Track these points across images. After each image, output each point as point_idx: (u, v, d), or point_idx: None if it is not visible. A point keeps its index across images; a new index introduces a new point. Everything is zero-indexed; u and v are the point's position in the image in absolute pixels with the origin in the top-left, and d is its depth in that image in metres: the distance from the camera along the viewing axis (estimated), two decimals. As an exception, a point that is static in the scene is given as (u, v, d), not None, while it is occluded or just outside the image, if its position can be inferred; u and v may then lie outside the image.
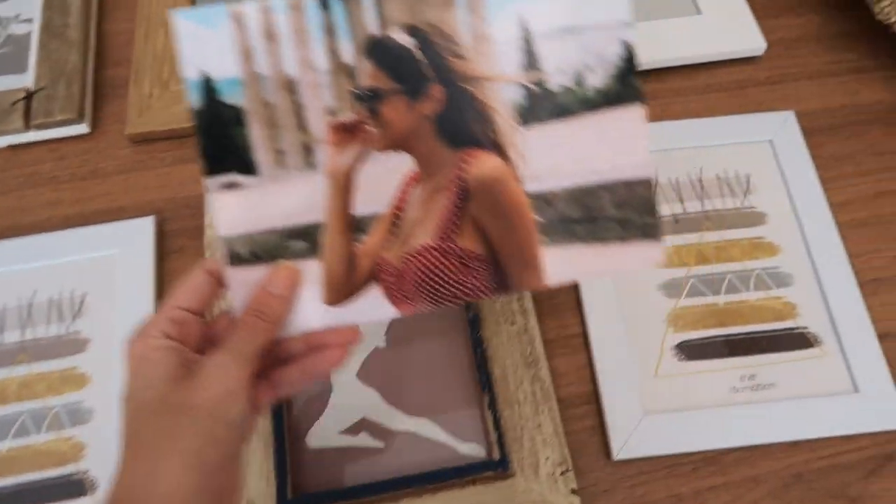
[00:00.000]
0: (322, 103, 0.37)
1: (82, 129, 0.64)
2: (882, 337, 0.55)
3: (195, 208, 0.60)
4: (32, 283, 0.57)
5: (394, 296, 0.38)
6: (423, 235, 0.37)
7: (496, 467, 0.50)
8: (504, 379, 0.53)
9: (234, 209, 0.37)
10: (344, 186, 0.37)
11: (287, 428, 0.52)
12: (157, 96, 0.64)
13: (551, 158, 0.37)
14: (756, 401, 0.54)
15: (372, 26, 0.36)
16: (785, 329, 0.56)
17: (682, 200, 0.62)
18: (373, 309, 0.38)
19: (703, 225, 0.61)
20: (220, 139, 0.36)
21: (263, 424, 0.51)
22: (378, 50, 0.36)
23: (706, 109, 0.66)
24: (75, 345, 0.55)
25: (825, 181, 0.62)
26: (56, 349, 0.55)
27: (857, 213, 0.62)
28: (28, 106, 0.63)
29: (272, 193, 0.37)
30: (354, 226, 0.37)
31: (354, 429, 0.53)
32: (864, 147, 0.65)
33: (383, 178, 0.37)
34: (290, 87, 0.37)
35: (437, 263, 0.37)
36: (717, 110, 0.66)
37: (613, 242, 0.38)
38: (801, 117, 0.65)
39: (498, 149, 0.37)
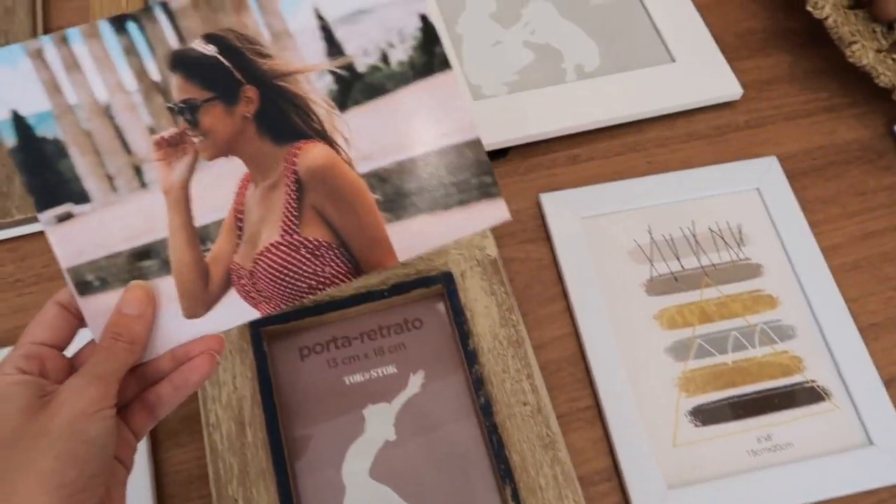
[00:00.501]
0: (142, 123, 0.37)
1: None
2: (888, 383, 0.56)
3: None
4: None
5: (251, 297, 0.38)
6: (269, 233, 0.38)
7: (528, 566, 0.48)
8: (523, 465, 0.52)
9: (72, 239, 0.37)
10: (181, 200, 0.38)
11: (303, 543, 0.49)
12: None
13: (376, 137, 0.38)
14: (774, 463, 0.53)
15: (172, 41, 0.37)
16: (794, 384, 0.56)
17: (678, 257, 0.61)
18: (234, 314, 0.38)
19: (703, 281, 0.60)
20: (45, 173, 0.36)
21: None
22: (182, 63, 0.37)
23: (690, 158, 0.66)
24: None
25: (814, 225, 0.63)
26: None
27: (848, 257, 0.62)
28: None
29: (110, 218, 0.37)
30: (199, 236, 0.38)
31: (373, 534, 0.50)
32: (847, 187, 0.65)
33: (218, 185, 0.38)
34: (104, 112, 0.37)
35: (287, 258, 0.38)
36: (700, 159, 0.66)
37: (455, 207, 0.39)
38: (784, 161, 0.66)
39: (323, 137, 0.38)
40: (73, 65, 0.37)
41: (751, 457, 0.53)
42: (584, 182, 0.65)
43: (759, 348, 0.58)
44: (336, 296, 0.55)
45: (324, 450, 0.52)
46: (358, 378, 0.55)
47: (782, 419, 0.55)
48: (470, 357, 0.54)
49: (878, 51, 0.70)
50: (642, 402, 0.55)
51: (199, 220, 0.38)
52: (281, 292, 0.38)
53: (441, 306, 0.58)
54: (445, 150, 0.39)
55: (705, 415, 0.55)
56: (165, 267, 0.37)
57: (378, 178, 0.38)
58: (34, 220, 0.59)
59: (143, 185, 0.38)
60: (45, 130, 0.37)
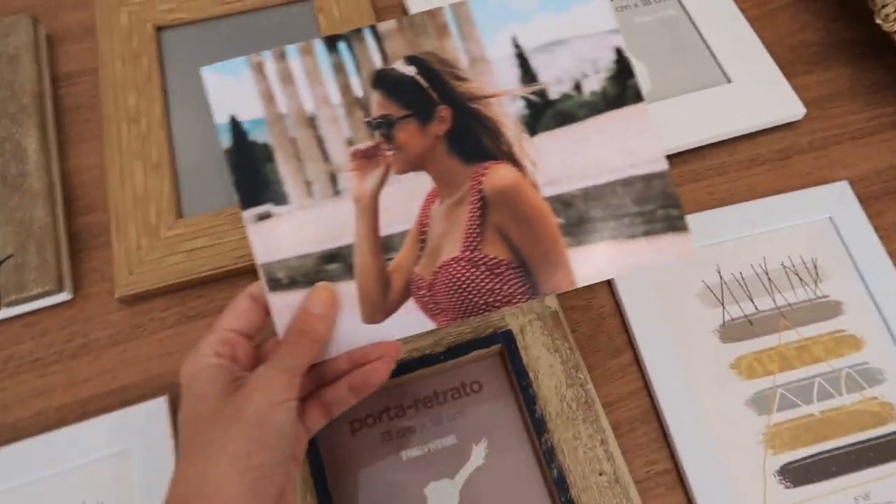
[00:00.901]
0: (341, 135, 0.40)
1: (63, 297, 0.55)
2: None
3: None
4: None
5: (428, 309, 0.39)
6: (450, 248, 0.39)
7: None
8: (604, 542, 0.47)
9: (269, 237, 0.39)
10: (370, 209, 0.39)
11: None
12: (147, 247, 0.55)
13: (563, 162, 0.39)
14: (877, 525, 0.49)
15: (376, 61, 0.40)
16: (888, 435, 0.52)
17: (751, 298, 0.56)
18: (410, 323, 0.39)
19: (780, 324, 0.55)
20: (252, 174, 0.39)
21: None
22: (384, 81, 0.40)
23: (754, 186, 0.61)
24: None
25: (894, 254, 0.58)
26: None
27: (933, 287, 0.57)
28: (-7, 279, 0.53)
29: (304, 221, 0.39)
30: (384, 245, 0.39)
31: None
32: (924, 210, 0.60)
33: (406, 198, 0.39)
34: (310, 122, 0.40)
35: (466, 273, 0.39)
36: (764, 186, 0.61)
37: (640, 238, 0.39)
38: (854, 184, 0.61)
39: (510, 159, 0.39)
40: (287, 77, 0.40)
41: (850, 520, 0.49)
42: (642, 218, 0.60)
43: (846, 395, 0.53)
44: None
45: (386, 536, 0.48)
46: (416, 452, 0.50)
47: (880, 474, 0.50)
48: (538, 425, 0.50)
49: (946, 59, 0.65)
50: (725, 462, 0.50)
51: (385, 230, 0.39)
52: (458, 305, 0.39)
53: (501, 367, 0.53)
54: (632, 180, 0.39)
55: (795, 474, 0.50)
56: (349, 271, 0.39)
57: (562, 203, 0.39)
58: (53, 292, 0.54)
59: (337, 192, 0.40)
60: (257, 135, 0.40)
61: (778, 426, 0.52)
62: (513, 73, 0.41)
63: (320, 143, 0.40)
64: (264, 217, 0.39)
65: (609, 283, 0.57)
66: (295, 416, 0.36)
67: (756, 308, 0.56)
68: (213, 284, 0.56)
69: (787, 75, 0.66)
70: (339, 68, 0.41)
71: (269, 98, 0.40)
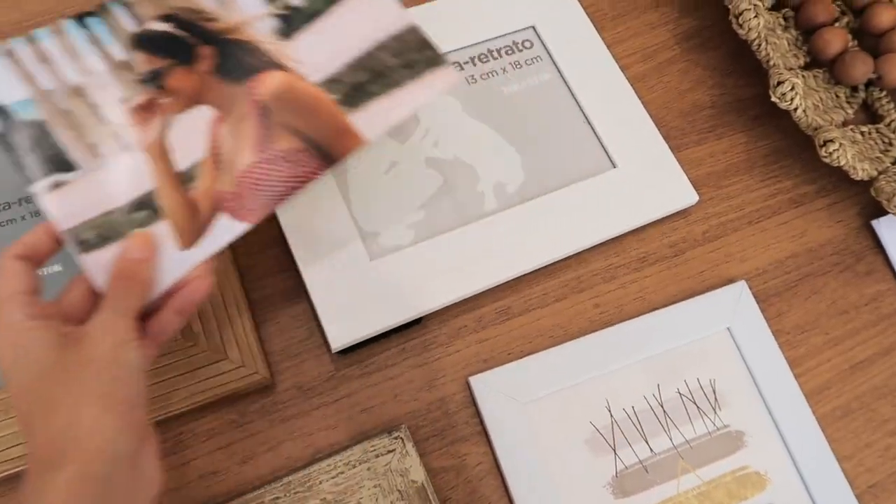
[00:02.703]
0: (115, 96, 0.42)
1: None
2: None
3: None
4: None
5: (239, 213, 0.41)
6: (246, 157, 0.41)
7: None
8: None
9: (66, 204, 0.40)
10: (160, 154, 0.41)
11: None
12: None
13: (323, 50, 0.43)
14: None
15: (130, 26, 0.43)
16: (797, 591, 0.47)
17: (646, 438, 0.49)
18: (225, 232, 0.40)
19: (678, 466, 0.49)
20: (30, 151, 0.40)
21: None
22: (142, 41, 0.43)
23: (645, 293, 0.54)
24: None
25: (795, 363, 0.53)
26: None
27: (837, 400, 0.52)
28: None
29: (98, 181, 0.40)
30: (185, 178, 0.41)
31: None
32: (827, 307, 0.55)
33: (193, 132, 0.41)
34: (79, 92, 0.42)
35: (265, 171, 0.41)
36: (658, 293, 0.54)
37: (408, 83, 0.42)
38: (753, 280, 0.55)
39: (276, 66, 0.42)
40: (43, 57, 0.42)
41: None
42: (522, 344, 0.51)
43: (752, 548, 0.47)
44: None
45: None
46: None
47: None
48: None
49: (845, 123, 0.59)
50: None
51: (182, 164, 0.41)
52: (266, 200, 0.41)
53: (360, 567, 0.45)
54: (385, 41, 0.43)
55: None
56: (157, 213, 0.40)
57: (332, 82, 0.42)
58: None
59: (125, 147, 0.41)
60: (26, 114, 0.41)
61: None
62: (256, 0, 0.44)
63: (94, 109, 0.42)
64: (57, 186, 0.40)
65: (486, 436, 0.49)
66: (142, 354, 0.37)
67: (651, 450, 0.49)
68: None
69: (678, 148, 0.58)
70: (94, 41, 0.43)
71: (29, 78, 0.41)
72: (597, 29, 0.60)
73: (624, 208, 0.54)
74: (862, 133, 0.58)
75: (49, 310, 0.37)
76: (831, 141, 0.52)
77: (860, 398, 0.53)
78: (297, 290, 0.51)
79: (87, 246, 0.39)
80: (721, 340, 0.52)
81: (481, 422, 0.49)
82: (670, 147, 0.56)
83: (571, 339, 0.51)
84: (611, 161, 0.55)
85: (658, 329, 0.52)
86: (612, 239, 0.54)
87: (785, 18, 0.60)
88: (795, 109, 0.52)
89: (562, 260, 0.53)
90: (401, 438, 0.47)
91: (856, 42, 0.61)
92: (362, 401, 0.49)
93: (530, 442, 0.48)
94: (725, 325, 0.52)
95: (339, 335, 0.48)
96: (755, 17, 0.54)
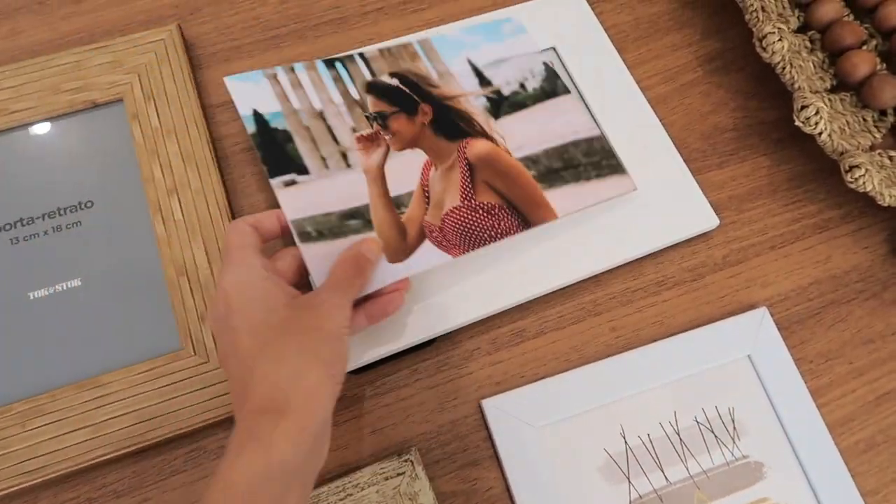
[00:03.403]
0: (347, 125, 0.51)
1: None
2: None
3: None
4: None
5: (442, 245, 0.47)
6: (451, 200, 0.48)
7: None
8: None
9: (296, 199, 0.46)
10: (378, 177, 0.49)
11: None
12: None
13: (524, 134, 0.52)
14: None
15: (367, 75, 0.53)
16: None
17: (661, 467, 0.48)
18: (429, 258, 0.47)
19: (695, 498, 0.48)
20: (275, 150, 0.49)
21: None
22: (375, 88, 0.53)
23: (663, 317, 0.53)
24: None
25: (818, 393, 0.51)
26: None
27: (862, 432, 0.51)
28: None
29: (323, 187, 0.48)
30: (395, 203, 0.48)
31: None
32: (852, 335, 0.53)
33: (407, 167, 0.49)
34: (319, 115, 0.51)
35: (468, 216, 0.48)
36: (676, 317, 0.53)
37: (594, 180, 0.51)
38: (775, 307, 0.53)
39: (484, 135, 0.51)
40: (297, 84, 0.52)
41: None
42: (535, 367, 0.51)
43: (770, 584, 0.46)
44: None
45: None
46: None
47: None
48: None
49: (872, 147, 0.57)
50: None
51: (394, 191, 0.48)
52: (466, 241, 0.48)
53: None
54: (578, 141, 0.52)
55: None
56: (368, 225, 0.47)
57: (531, 161, 0.51)
58: None
59: (349, 166, 0.49)
60: (277, 123, 0.50)
61: None
62: (472, 81, 0.54)
63: (330, 130, 0.50)
64: (290, 183, 0.47)
65: (498, 461, 0.48)
66: (348, 343, 0.40)
67: (667, 479, 0.48)
68: None
69: (699, 170, 0.57)
70: (337, 79, 0.52)
71: (283, 97, 0.51)
72: (618, 50, 0.60)
73: (643, 231, 0.53)
74: (890, 158, 0.57)
75: (273, 269, 0.42)
76: (857, 166, 0.50)
77: (885, 431, 0.51)
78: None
79: (305, 237, 0.45)
80: (741, 368, 0.51)
81: (493, 446, 0.48)
82: (691, 170, 0.56)
83: (587, 363, 0.50)
84: (631, 183, 0.54)
85: (676, 355, 0.51)
86: (631, 262, 0.54)
87: (811, 41, 0.59)
88: (820, 134, 0.51)
89: (579, 282, 0.53)
90: (411, 461, 0.46)
91: (884, 65, 0.60)
92: (373, 421, 0.49)
93: (543, 468, 0.47)
94: (746, 352, 0.51)
95: (352, 355, 0.48)
96: (779, 40, 0.53)
